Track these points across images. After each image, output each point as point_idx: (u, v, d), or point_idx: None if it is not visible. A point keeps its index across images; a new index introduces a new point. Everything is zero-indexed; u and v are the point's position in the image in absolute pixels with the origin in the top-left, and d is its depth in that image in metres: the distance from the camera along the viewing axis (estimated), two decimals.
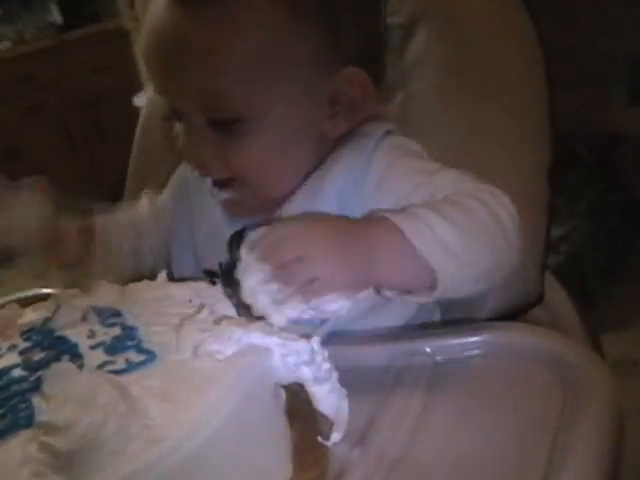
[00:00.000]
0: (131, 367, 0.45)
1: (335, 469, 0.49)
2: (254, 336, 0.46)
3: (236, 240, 0.62)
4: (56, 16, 3.44)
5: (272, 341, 0.46)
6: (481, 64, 0.74)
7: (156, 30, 0.63)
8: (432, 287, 0.55)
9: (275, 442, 0.48)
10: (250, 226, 0.57)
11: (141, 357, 0.46)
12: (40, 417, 0.39)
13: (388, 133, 0.67)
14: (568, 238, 1.99)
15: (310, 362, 0.47)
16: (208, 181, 0.68)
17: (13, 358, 0.50)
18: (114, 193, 3.44)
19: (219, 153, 0.63)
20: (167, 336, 0.48)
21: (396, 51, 0.78)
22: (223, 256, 0.70)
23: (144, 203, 0.81)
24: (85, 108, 3.39)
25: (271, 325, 0.50)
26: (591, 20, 2.19)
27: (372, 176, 0.64)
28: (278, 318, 0.51)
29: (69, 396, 0.39)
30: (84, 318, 0.53)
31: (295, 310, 0.52)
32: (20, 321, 0.54)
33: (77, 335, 0.51)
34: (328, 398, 0.49)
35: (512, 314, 0.71)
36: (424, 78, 0.76)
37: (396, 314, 0.65)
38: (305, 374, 0.47)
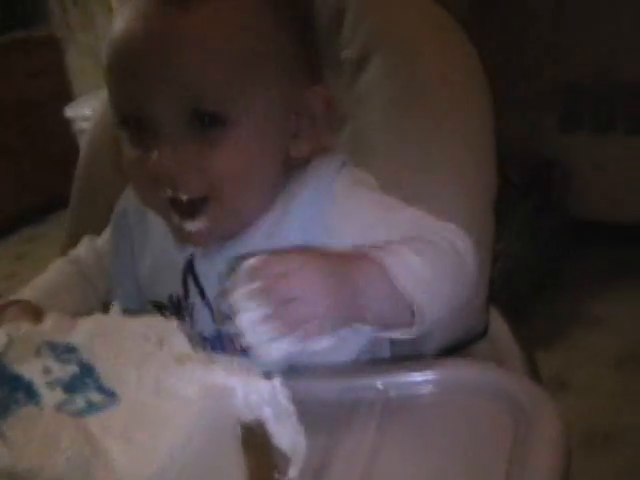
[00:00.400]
0: (92, 407, 0.45)
1: None
2: (217, 375, 0.46)
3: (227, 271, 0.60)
4: None
5: (235, 380, 0.46)
6: (429, 99, 0.76)
7: (138, 27, 0.62)
8: (410, 323, 0.57)
9: (233, 478, 0.48)
10: (239, 259, 0.56)
11: (101, 397, 0.45)
12: (1, 462, 0.38)
13: (344, 164, 0.68)
14: (500, 257, 2.05)
15: (271, 401, 0.47)
16: (174, 217, 0.65)
17: None
18: (42, 201, 3.33)
19: (198, 162, 0.62)
20: (127, 373, 0.47)
21: (346, 83, 0.79)
22: (171, 287, 0.69)
23: (84, 249, 0.79)
24: (16, 115, 3.30)
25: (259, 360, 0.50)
26: (527, 45, 2.28)
27: (334, 206, 0.65)
28: (269, 354, 0.51)
29: (31, 439, 0.38)
30: (38, 353, 0.52)
31: (284, 347, 0.52)
32: None
33: (31, 371, 0.49)
34: (286, 435, 0.49)
35: (457, 347, 0.72)
36: (374, 110, 0.78)
37: (348, 348, 0.66)
38: (266, 413, 0.47)
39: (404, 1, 0.81)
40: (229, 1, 0.62)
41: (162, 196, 0.64)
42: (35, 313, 0.65)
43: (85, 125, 3.07)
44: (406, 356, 0.69)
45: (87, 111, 3.07)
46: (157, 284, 0.71)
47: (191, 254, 0.69)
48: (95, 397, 0.46)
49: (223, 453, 0.46)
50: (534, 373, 0.81)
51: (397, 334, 0.60)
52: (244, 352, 0.65)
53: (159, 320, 0.57)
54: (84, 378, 0.48)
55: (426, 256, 0.59)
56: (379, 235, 0.62)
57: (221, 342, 0.67)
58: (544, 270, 2.20)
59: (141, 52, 0.61)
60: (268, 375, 0.49)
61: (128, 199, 0.76)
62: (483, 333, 0.75)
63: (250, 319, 0.52)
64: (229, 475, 0.47)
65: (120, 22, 0.63)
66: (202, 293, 0.68)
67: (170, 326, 0.56)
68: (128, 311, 0.60)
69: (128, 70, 0.62)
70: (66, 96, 3.38)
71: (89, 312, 0.69)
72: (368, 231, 0.63)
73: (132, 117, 0.63)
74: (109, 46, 0.63)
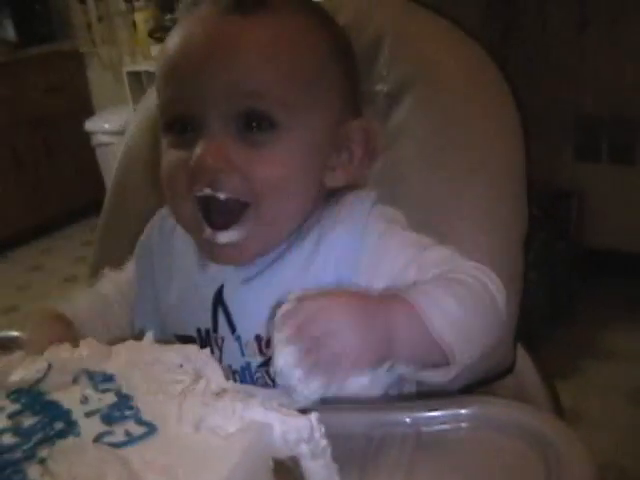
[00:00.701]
0: (131, 440, 0.45)
1: None
2: (256, 411, 0.47)
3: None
4: (10, 33, 3.38)
5: (273, 417, 0.47)
6: (464, 136, 0.77)
7: (199, 31, 0.64)
8: (443, 365, 0.58)
9: None
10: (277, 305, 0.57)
11: (141, 429, 0.46)
12: None
13: (376, 202, 0.69)
14: None
15: (308, 439, 0.47)
16: (206, 230, 0.64)
17: (1, 421, 0.49)
18: (56, 215, 3.36)
19: (241, 165, 0.62)
20: (166, 407, 0.48)
21: (380, 117, 0.80)
22: (199, 320, 0.69)
23: (106, 283, 0.79)
24: (34, 128, 3.33)
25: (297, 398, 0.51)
26: (543, 75, 2.28)
27: (368, 245, 0.65)
28: (306, 392, 0.52)
29: (77, 475, 0.38)
30: (75, 381, 0.52)
31: (318, 389, 0.53)
32: (8, 380, 0.53)
33: (69, 400, 0.50)
34: (320, 472, 0.49)
35: (483, 382, 0.72)
36: (407, 145, 0.78)
37: (378, 383, 0.66)
38: (302, 449, 0.48)
39: (440, 37, 0.81)
40: (292, 18, 0.65)
41: (199, 195, 0.63)
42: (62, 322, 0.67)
43: (104, 138, 3.11)
44: (432, 392, 0.69)
45: (107, 125, 3.12)
46: (183, 317, 0.71)
47: (221, 285, 0.68)
48: (134, 429, 0.46)
49: None
50: (558, 409, 0.81)
51: (429, 376, 0.60)
52: (273, 384, 0.66)
53: (193, 350, 0.57)
54: (123, 409, 0.48)
55: (458, 297, 0.59)
56: (411, 275, 0.63)
57: (250, 374, 0.67)
58: (559, 300, 2.19)
59: (200, 53, 0.63)
60: (304, 410, 0.50)
61: (153, 230, 0.76)
62: (510, 369, 0.75)
63: (286, 363, 0.52)
64: None
65: (181, 29, 0.65)
66: (232, 326, 0.68)
67: (205, 356, 0.56)
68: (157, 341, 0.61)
69: (185, 71, 0.63)
70: (87, 110, 3.42)
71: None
72: (400, 271, 0.63)
73: (181, 118, 0.64)
74: (168, 51, 0.65)
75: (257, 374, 0.68)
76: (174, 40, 0.65)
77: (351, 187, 0.70)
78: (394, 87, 0.79)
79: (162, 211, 0.76)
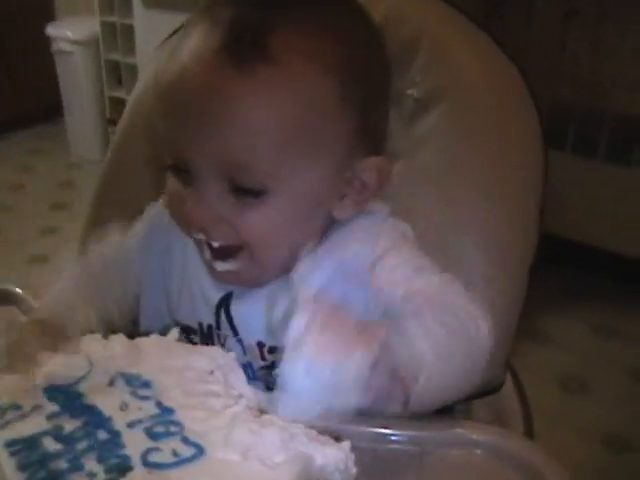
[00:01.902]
0: (180, 462, 0.46)
1: None
2: (300, 441, 0.48)
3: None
4: None
5: (314, 448, 0.48)
6: (485, 157, 0.77)
7: (195, 79, 0.59)
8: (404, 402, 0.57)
9: None
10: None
11: (189, 451, 0.46)
12: None
13: (386, 218, 0.69)
14: None
15: (344, 469, 0.49)
16: (206, 253, 0.64)
17: (40, 423, 0.49)
18: (7, 118, 3.20)
19: (230, 219, 0.61)
20: (210, 427, 0.48)
21: (405, 121, 0.80)
22: (202, 316, 0.69)
23: (111, 241, 0.76)
24: None
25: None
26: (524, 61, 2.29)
27: (379, 263, 0.65)
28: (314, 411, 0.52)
29: None
30: (111, 383, 0.52)
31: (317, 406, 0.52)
32: (41, 372, 0.52)
33: (108, 406, 0.50)
34: None
35: (469, 399, 0.75)
36: (428, 156, 0.78)
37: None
38: (335, 478, 0.49)
39: (476, 49, 0.80)
40: (289, 69, 0.58)
41: (194, 235, 0.64)
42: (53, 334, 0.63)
43: (66, 46, 2.97)
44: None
45: (69, 32, 2.97)
46: (187, 309, 0.71)
47: (228, 292, 0.68)
48: (181, 449, 0.47)
49: None
50: (530, 429, 0.85)
51: (391, 409, 0.58)
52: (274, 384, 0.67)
53: (219, 353, 0.58)
54: (167, 424, 0.49)
55: (438, 343, 0.57)
56: (399, 295, 0.62)
57: (252, 372, 0.69)
58: None
59: (191, 108, 0.59)
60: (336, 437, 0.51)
61: (162, 213, 0.74)
62: (498, 388, 0.78)
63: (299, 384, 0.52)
64: None
65: (178, 62, 0.61)
66: (234, 330, 0.68)
67: (231, 361, 0.57)
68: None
69: (177, 116, 0.60)
70: (48, 13, 3.25)
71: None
72: (393, 289, 0.63)
73: (175, 159, 0.62)
74: (163, 89, 0.62)
75: (258, 373, 0.69)
76: (170, 71, 0.61)
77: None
78: (425, 94, 0.79)
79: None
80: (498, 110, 0.79)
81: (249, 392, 0.55)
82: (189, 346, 0.59)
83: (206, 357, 0.56)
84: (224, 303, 0.68)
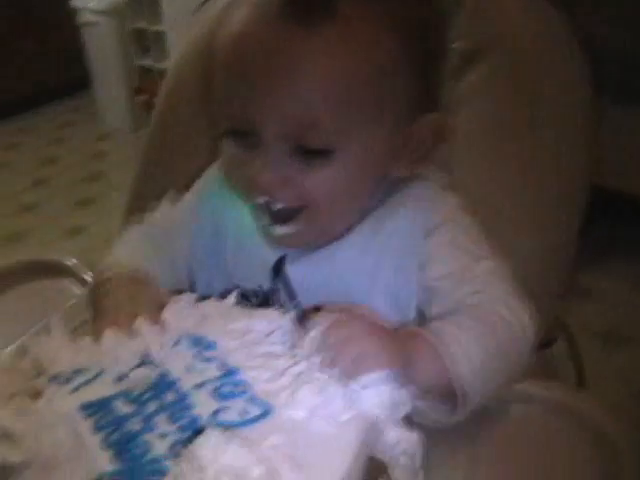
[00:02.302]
0: (248, 420, 0.46)
1: None
2: (365, 402, 0.48)
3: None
4: None
5: (385, 421, 0.48)
6: (533, 114, 0.76)
7: (261, 39, 0.58)
8: (453, 406, 0.57)
9: None
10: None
11: (257, 410, 0.47)
12: None
13: (438, 190, 0.68)
14: None
15: (412, 455, 0.49)
16: (265, 218, 0.64)
17: (108, 386, 0.50)
18: (37, 92, 3.22)
19: (295, 180, 0.61)
20: (276, 387, 0.49)
21: (452, 74, 0.78)
22: (259, 279, 0.69)
23: (166, 208, 0.76)
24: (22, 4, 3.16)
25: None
26: None
27: (429, 241, 0.64)
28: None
29: (223, 469, 0.40)
30: (176, 344, 0.53)
31: None
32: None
33: (174, 367, 0.51)
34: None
35: None
36: (471, 117, 0.77)
37: None
38: (401, 462, 0.49)
39: (524, 4, 0.79)
40: (356, 29, 0.58)
41: (256, 201, 0.63)
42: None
43: (91, 17, 2.97)
44: None
45: (92, 3, 2.96)
46: (243, 272, 0.70)
47: (282, 256, 0.68)
48: (249, 408, 0.47)
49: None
50: (581, 380, 0.85)
51: (437, 415, 0.58)
52: None
53: (276, 314, 0.58)
54: (233, 384, 0.49)
55: (482, 342, 0.58)
56: (446, 286, 0.62)
57: None
58: None
59: (256, 68, 0.58)
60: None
61: (214, 188, 0.73)
62: (550, 343, 0.78)
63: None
64: None
65: (238, 23, 0.60)
66: (291, 295, 0.68)
67: (288, 323, 0.57)
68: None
69: (240, 80, 0.60)
70: None
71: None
72: (438, 277, 0.63)
73: (238, 124, 0.62)
74: (224, 52, 0.61)
75: None
76: (231, 33, 0.60)
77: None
78: (470, 49, 0.77)
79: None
80: (545, 64, 0.78)
81: (310, 350, 0.55)
82: (248, 309, 0.60)
83: (265, 319, 0.57)
84: (279, 267, 0.68)
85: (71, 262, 0.83)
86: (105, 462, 0.44)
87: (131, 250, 0.71)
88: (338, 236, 0.66)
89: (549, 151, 0.76)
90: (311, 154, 0.60)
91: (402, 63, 0.60)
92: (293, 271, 0.68)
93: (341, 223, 0.66)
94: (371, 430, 0.47)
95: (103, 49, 3.03)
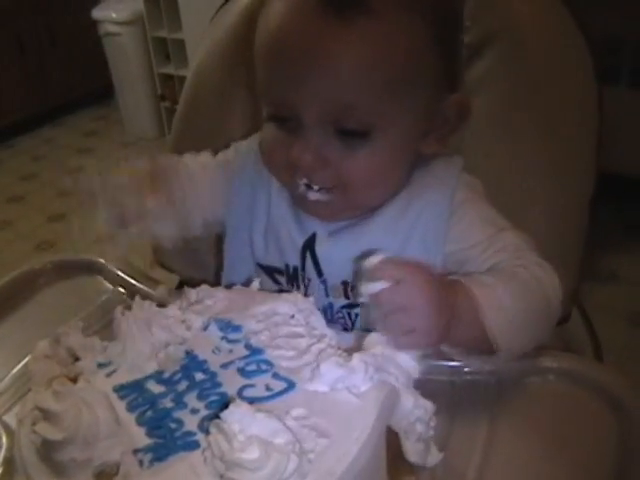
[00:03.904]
0: (273, 395, 0.49)
1: None
2: (385, 373, 0.51)
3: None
4: None
5: (404, 389, 0.51)
6: (540, 98, 0.78)
7: (300, 29, 0.62)
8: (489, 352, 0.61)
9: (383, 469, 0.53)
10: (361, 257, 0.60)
11: (281, 385, 0.50)
12: (228, 455, 0.42)
13: (461, 170, 0.71)
14: None
15: (425, 421, 0.52)
16: (301, 187, 0.67)
17: (140, 370, 0.53)
18: (62, 103, 3.27)
19: (334, 162, 0.64)
20: (298, 364, 0.52)
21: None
22: (288, 258, 0.73)
23: (205, 159, 0.79)
24: (37, 12, 3.22)
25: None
26: None
27: (454, 216, 0.68)
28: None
29: (251, 437, 0.43)
30: (205, 328, 0.56)
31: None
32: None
33: (202, 350, 0.54)
34: (419, 454, 0.53)
35: None
36: (483, 102, 0.79)
37: None
38: (416, 429, 0.52)
39: None
40: (388, 17, 0.61)
41: (296, 182, 0.66)
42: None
43: (112, 28, 3.03)
44: None
45: (114, 14, 3.03)
46: (274, 251, 0.74)
47: (312, 233, 0.72)
48: (273, 384, 0.50)
49: (381, 454, 0.50)
50: (598, 355, 0.86)
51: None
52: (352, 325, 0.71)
53: (298, 298, 0.61)
54: (258, 363, 0.52)
55: (516, 296, 0.61)
56: (477, 253, 0.66)
57: (332, 313, 0.72)
58: None
59: (297, 56, 0.62)
60: None
61: (247, 164, 0.78)
62: (567, 318, 0.80)
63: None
64: (383, 465, 0.52)
65: (279, 14, 0.63)
66: (319, 271, 0.71)
67: (310, 305, 0.60)
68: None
69: (282, 66, 0.63)
70: None
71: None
72: (470, 246, 0.67)
73: (279, 108, 0.65)
74: (263, 42, 0.65)
75: (338, 314, 0.72)
76: (272, 24, 0.64)
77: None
78: (476, 39, 0.80)
79: (253, 147, 0.77)
80: (550, 50, 0.80)
81: (329, 331, 0.58)
82: (271, 293, 0.63)
83: (287, 302, 0.60)
84: (309, 245, 0.71)
85: (100, 260, 0.86)
86: (141, 437, 0.47)
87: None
88: (367, 213, 0.70)
89: (557, 130, 0.78)
90: (349, 136, 0.64)
91: (430, 46, 0.64)
92: (322, 249, 0.71)
93: (374, 201, 0.70)
94: (389, 399, 0.50)
95: (125, 58, 3.10)
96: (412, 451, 0.53)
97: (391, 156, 0.66)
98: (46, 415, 0.47)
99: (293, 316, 0.58)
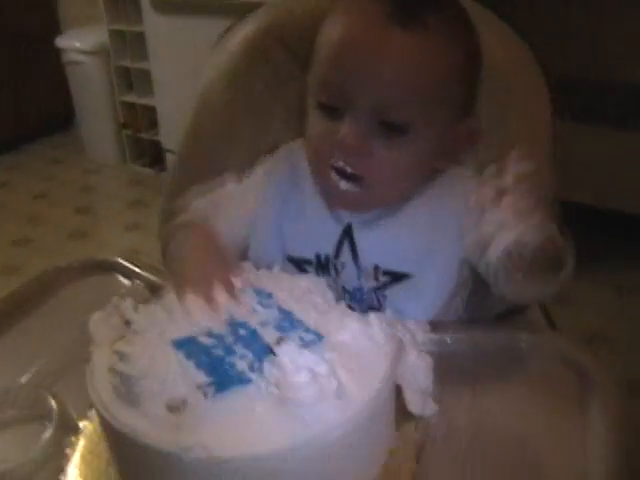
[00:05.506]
0: (306, 344, 0.60)
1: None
2: (398, 331, 0.62)
3: None
4: None
5: (409, 340, 0.63)
6: (506, 117, 0.93)
7: (367, 35, 0.74)
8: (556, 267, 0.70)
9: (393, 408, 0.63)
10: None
11: (311, 336, 0.61)
12: (282, 380, 0.53)
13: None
14: None
15: (426, 375, 0.64)
16: (334, 175, 0.77)
17: (190, 329, 0.63)
18: (34, 130, 3.31)
19: (373, 148, 0.75)
20: (324, 321, 0.63)
21: None
22: (321, 247, 0.83)
23: (230, 184, 0.88)
24: (7, 44, 3.28)
25: None
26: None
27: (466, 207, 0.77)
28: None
29: (300, 366, 0.53)
30: (242, 291, 0.66)
31: None
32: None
33: (242, 314, 0.64)
34: (419, 405, 0.65)
35: (515, 312, 0.90)
36: None
37: (452, 314, 0.84)
38: (419, 383, 0.63)
39: (492, 29, 0.94)
40: (441, 37, 0.74)
41: (333, 163, 0.77)
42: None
43: (76, 57, 3.11)
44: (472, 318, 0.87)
45: (78, 43, 3.11)
46: (305, 244, 0.85)
47: (348, 223, 0.83)
48: (305, 336, 0.61)
49: (393, 396, 0.61)
50: (551, 324, 0.99)
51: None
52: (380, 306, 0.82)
53: (312, 278, 0.73)
54: (290, 321, 0.63)
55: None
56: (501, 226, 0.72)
57: (361, 295, 0.83)
58: None
59: (357, 54, 0.74)
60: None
61: (281, 164, 0.88)
62: (525, 307, 0.93)
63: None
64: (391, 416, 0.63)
65: (346, 23, 0.76)
66: (355, 255, 0.82)
67: (322, 285, 0.71)
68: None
69: (343, 66, 0.75)
70: (57, 28, 3.39)
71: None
72: (493, 223, 0.72)
73: (333, 101, 0.76)
74: (330, 42, 0.76)
75: (367, 296, 0.83)
76: (339, 26, 0.76)
77: None
78: None
79: (288, 147, 0.89)
80: (513, 75, 0.94)
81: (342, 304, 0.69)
82: (290, 275, 0.74)
83: (304, 281, 0.71)
84: (347, 233, 0.83)
85: (117, 259, 0.95)
86: (201, 377, 0.57)
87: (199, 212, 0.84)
88: (394, 207, 0.82)
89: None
90: (390, 129, 0.75)
91: (462, 72, 0.77)
92: (359, 236, 0.82)
93: (395, 195, 0.81)
94: (398, 348, 0.61)
95: (88, 87, 3.17)
96: (412, 401, 0.65)
97: (419, 157, 0.77)
98: (122, 357, 0.56)
99: (310, 290, 0.70)
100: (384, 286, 0.82)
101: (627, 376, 1.87)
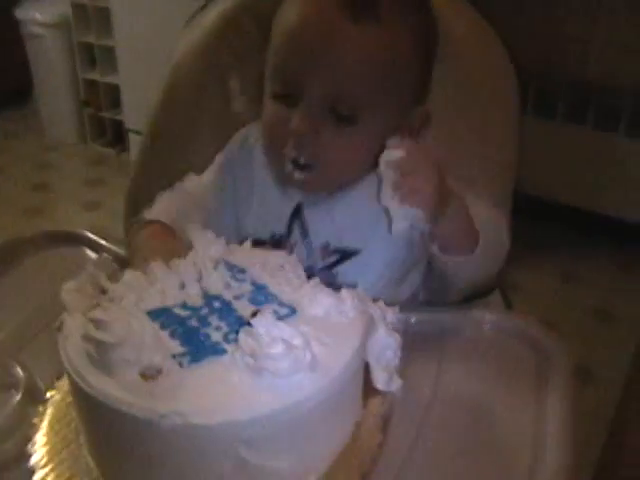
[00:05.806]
0: (280, 317, 0.61)
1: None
2: (370, 307, 0.64)
3: None
4: None
5: (379, 317, 0.64)
6: (474, 104, 0.96)
7: (318, 26, 0.76)
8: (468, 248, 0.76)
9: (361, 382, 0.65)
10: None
11: (285, 310, 0.62)
12: (257, 351, 0.54)
13: None
14: None
15: (394, 352, 0.65)
16: (289, 166, 0.80)
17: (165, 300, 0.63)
18: None
19: (324, 135, 0.77)
20: (297, 296, 0.64)
21: None
22: (275, 228, 0.85)
23: (191, 184, 0.91)
24: None
25: None
26: None
27: None
28: (399, 223, 0.71)
29: (276, 338, 0.54)
30: (215, 267, 0.67)
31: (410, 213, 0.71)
32: None
33: (216, 286, 0.65)
34: (385, 380, 0.66)
35: (477, 296, 0.92)
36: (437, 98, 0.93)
37: (406, 290, 0.87)
38: (387, 356, 0.65)
39: (456, 12, 0.97)
40: (392, 28, 0.76)
41: (287, 153, 0.79)
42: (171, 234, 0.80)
43: (36, 29, 3.03)
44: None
45: (38, 15, 3.03)
46: (260, 224, 0.87)
47: (299, 202, 0.85)
48: (279, 309, 0.62)
49: (362, 370, 0.63)
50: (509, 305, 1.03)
51: (458, 258, 0.77)
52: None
53: (283, 254, 0.74)
54: (264, 295, 0.64)
55: (483, 227, 0.78)
56: None
57: (312, 275, 0.83)
58: None
59: (310, 46, 0.76)
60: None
61: (234, 149, 0.90)
62: (497, 285, 0.96)
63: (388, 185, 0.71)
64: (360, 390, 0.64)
65: (300, 11, 0.77)
66: (305, 234, 0.84)
67: (294, 260, 0.73)
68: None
69: (295, 54, 0.77)
70: None
71: None
72: None
73: (286, 86, 0.78)
74: (284, 31, 0.78)
75: (318, 275, 0.84)
76: (294, 16, 0.78)
77: None
78: None
79: (243, 132, 0.91)
80: (481, 62, 0.96)
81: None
82: (262, 250, 0.75)
83: (276, 257, 0.72)
84: (297, 213, 0.85)
85: (85, 232, 0.95)
86: (176, 346, 0.57)
87: (164, 207, 0.87)
88: (345, 187, 0.84)
89: (489, 132, 0.94)
90: (340, 118, 0.77)
91: (413, 61, 0.79)
92: (309, 215, 0.85)
93: (346, 178, 0.83)
94: (369, 324, 0.63)
95: (48, 62, 3.09)
96: (379, 378, 0.66)
97: (368, 143, 0.79)
98: (98, 324, 0.56)
99: (283, 266, 0.71)
100: (334, 264, 0.84)
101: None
